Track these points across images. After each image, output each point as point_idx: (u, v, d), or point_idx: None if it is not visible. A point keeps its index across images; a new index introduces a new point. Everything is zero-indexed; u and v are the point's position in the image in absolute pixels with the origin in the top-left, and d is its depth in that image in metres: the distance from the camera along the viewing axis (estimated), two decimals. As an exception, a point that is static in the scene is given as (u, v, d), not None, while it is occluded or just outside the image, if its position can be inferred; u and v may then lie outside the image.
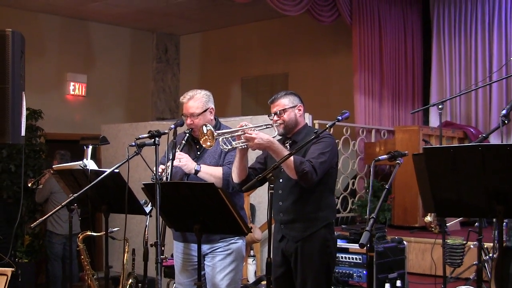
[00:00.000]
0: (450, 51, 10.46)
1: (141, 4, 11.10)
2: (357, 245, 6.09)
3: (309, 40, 11.90)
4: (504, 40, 9.83)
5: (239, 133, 4.17)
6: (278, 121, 4.38)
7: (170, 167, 4.44)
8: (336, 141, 4.50)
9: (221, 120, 4.90)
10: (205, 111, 4.68)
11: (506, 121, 3.93)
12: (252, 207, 7.90)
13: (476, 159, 3.09)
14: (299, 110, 4.46)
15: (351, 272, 6.08)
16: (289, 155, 4.00)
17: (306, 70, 11.88)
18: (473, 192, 3.19)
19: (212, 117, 4.74)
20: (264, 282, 6.91)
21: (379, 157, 3.93)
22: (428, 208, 3.32)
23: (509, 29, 9.79)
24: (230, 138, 4.23)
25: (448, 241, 6.13)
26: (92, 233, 6.21)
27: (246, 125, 4.20)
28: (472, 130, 9.61)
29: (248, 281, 7.14)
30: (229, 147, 4.23)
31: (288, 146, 4.36)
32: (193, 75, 13.58)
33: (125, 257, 6.03)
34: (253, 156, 4.54)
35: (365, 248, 3.28)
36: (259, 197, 7.85)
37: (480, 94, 10.00)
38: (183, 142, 4.62)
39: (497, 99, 9.74)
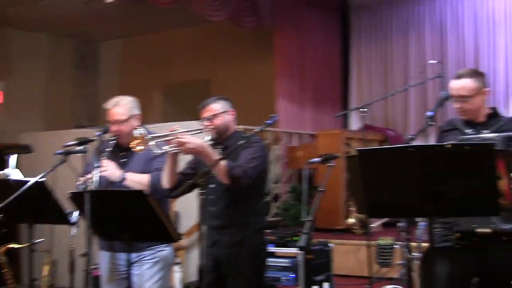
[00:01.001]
0: (369, 56, 10.68)
1: (60, 10, 10.87)
2: (284, 249, 6.18)
3: (231, 46, 11.91)
4: (420, 45, 10.11)
5: (171, 137, 4.14)
6: (210, 126, 4.37)
7: (96, 175, 4.36)
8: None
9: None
10: (130, 117, 4.62)
11: (431, 123, 4.04)
12: (177, 214, 7.83)
13: (408, 160, 3.15)
14: (231, 115, 4.47)
15: (278, 276, 6.10)
16: (221, 159, 4.00)
17: (228, 76, 11.88)
18: (406, 192, 3.25)
19: (138, 124, 4.67)
20: (191, 290, 6.87)
21: (312, 160, 3.97)
22: (361, 210, 3.36)
23: (425, 34, 10.08)
24: (161, 142, 4.19)
25: (380, 241, 6.24)
26: (15, 245, 6.01)
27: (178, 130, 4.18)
28: (391, 132, 9.82)
29: (174, 288, 7.08)
30: (161, 151, 4.19)
31: (219, 151, 4.34)
32: (113, 82, 13.38)
33: (46, 269, 5.87)
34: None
35: (303, 250, 3.30)
36: (183, 203, 7.78)
37: (398, 97, 10.23)
38: (108, 149, 4.53)
39: (414, 103, 10.00)
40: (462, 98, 4.08)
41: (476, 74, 4.18)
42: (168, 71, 12.80)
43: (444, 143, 3.10)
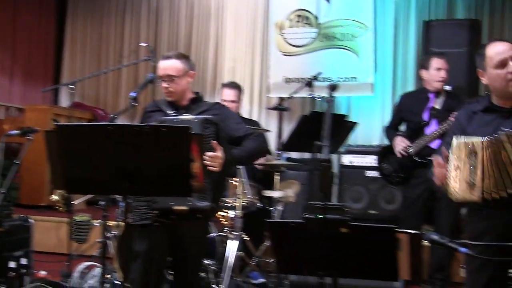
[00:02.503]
0: (84, 34, 10.60)
1: None
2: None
3: None
4: (136, 26, 10.23)
5: None
6: None
7: None
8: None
9: None
10: None
11: (134, 104, 4.15)
12: None
13: (107, 138, 3.20)
14: None
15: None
16: None
17: None
18: (104, 170, 3.30)
19: None
20: None
21: (10, 132, 3.89)
22: (58, 185, 3.37)
23: (141, 16, 10.23)
24: None
25: (76, 218, 6.27)
26: None
27: None
28: (100, 111, 9.85)
29: None
30: None
31: None
32: None
33: None
34: None
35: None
36: None
37: (110, 77, 10.29)
38: None
39: (126, 83, 10.11)
40: (169, 77, 4.23)
41: (182, 56, 4.36)
42: None
43: (143, 124, 3.20)
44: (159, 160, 3.26)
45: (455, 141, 3.49)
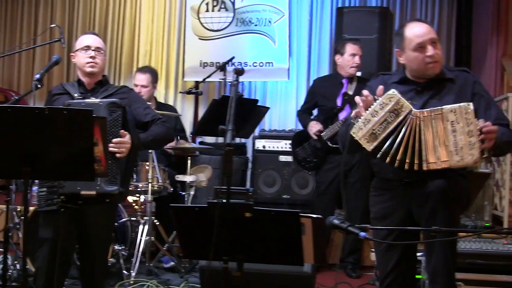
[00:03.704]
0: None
1: None
2: None
3: None
4: (50, 7, 9.99)
5: None
6: None
7: None
8: None
9: None
10: None
11: (39, 85, 4.06)
12: None
13: (7, 120, 3.13)
14: None
15: None
16: None
17: None
18: (4, 153, 3.23)
19: None
20: None
21: None
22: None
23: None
24: None
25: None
26: None
27: None
28: (13, 94, 9.60)
29: None
30: None
31: None
32: None
33: None
34: None
35: None
36: None
37: (23, 59, 10.03)
38: None
39: (39, 65, 9.86)
40: (97, 49, 4.26)
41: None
42: None
43: (43, 107, 3.13)
44: (60, 143, 3.21)
45: (393, 91, 3.45)
